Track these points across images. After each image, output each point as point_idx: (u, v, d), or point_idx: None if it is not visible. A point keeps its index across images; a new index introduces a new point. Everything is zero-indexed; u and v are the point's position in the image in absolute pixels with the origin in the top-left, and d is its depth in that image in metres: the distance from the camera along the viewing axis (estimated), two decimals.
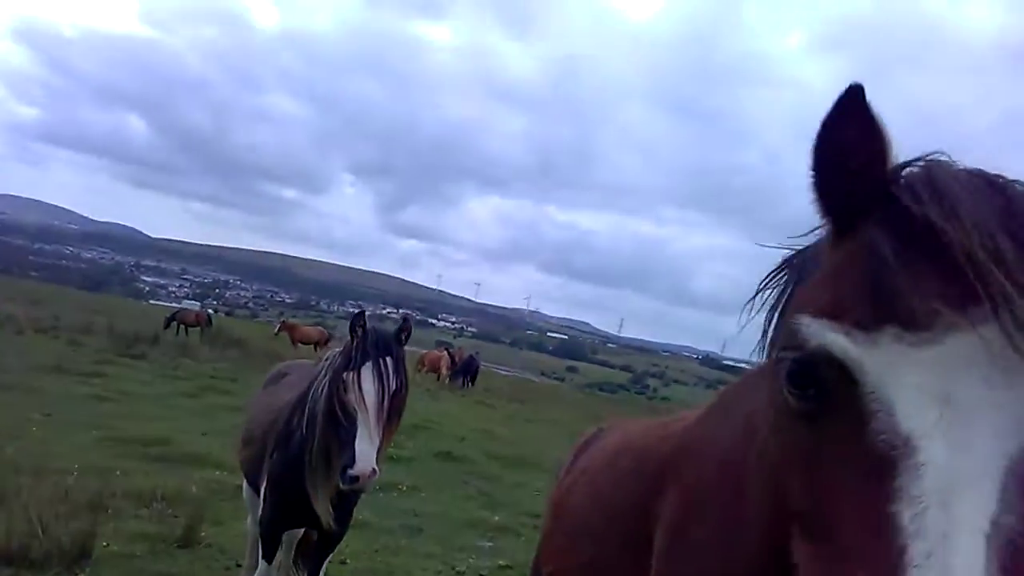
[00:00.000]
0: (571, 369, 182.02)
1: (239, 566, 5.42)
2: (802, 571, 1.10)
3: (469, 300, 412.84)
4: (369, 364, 3.60)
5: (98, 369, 15.52)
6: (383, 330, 3.86)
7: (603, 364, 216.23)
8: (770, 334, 1.48)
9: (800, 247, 1.49)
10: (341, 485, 3.53)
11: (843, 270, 1.08)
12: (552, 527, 2.41)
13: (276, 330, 35.79)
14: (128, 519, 6.23)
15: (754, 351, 1.51)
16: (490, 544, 7.38)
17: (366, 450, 3.44)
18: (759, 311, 1.53)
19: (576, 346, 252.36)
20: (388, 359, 3.66)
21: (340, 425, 3.58)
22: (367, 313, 3.95)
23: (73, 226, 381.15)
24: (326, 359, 4.00)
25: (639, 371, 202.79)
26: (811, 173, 1.15)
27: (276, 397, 4.46)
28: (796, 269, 1.48)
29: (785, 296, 1.48)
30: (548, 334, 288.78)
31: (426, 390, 25.70)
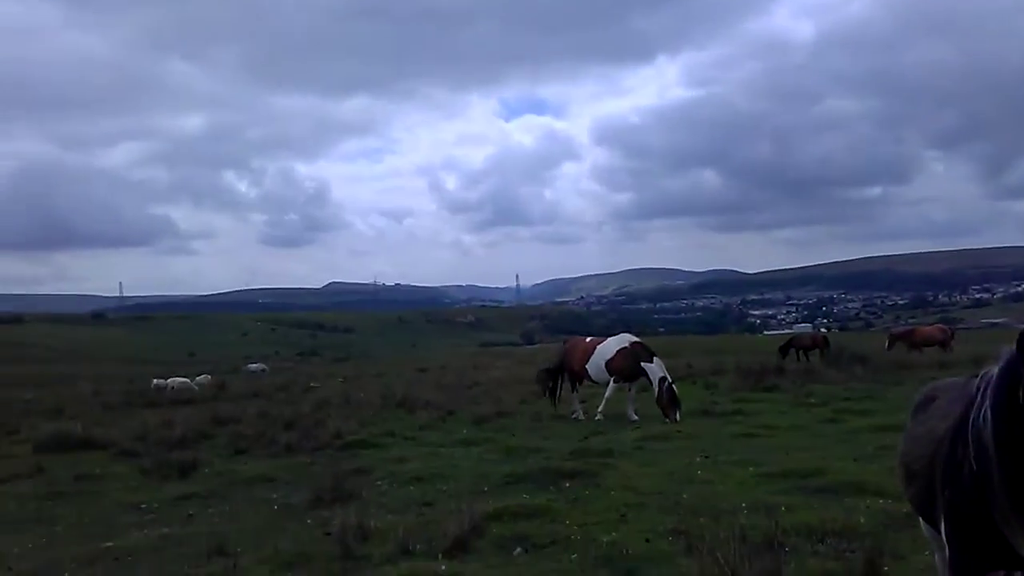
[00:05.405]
0: None
1: None
2: None
3: None
4: None
5: (738, 407, 16.49)
6: None
7: None
8: None
9: None
10: None
11: None
12: None
13: (887, 345, 33.11)
14: (806, 556, 6.19)
15: None
16: None
17: None
18: None
19: None
20: None
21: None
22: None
23: (681, 281, 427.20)
24: (983, 376, 3.30)
25: None
26: None
27: (928, 427, 3.86)
28: None
29: None
30: None
31: None
